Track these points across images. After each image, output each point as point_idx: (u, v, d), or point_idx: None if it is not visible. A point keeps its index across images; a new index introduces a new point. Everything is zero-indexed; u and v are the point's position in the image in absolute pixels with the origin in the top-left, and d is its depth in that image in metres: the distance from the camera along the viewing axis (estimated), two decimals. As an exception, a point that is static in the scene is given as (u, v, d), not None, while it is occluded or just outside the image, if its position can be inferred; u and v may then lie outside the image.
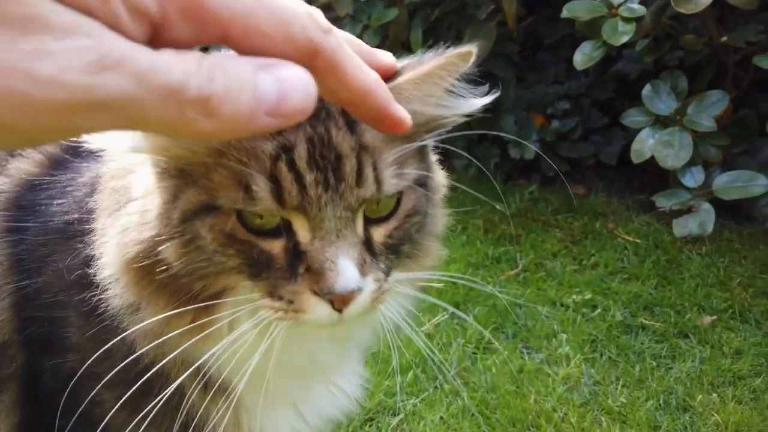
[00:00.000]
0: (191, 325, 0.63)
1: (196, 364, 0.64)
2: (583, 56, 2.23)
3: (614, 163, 2.86)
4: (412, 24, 2.78)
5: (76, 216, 0.74)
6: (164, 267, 0.61)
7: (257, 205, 0.57)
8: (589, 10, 2.18)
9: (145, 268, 0.62)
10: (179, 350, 0.63)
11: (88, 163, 0.78)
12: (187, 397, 0.68)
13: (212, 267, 0.61)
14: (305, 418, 0.80)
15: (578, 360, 1.75)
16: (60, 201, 0.77)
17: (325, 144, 0.58)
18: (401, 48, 2.96)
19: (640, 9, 2.11)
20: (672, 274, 2.12)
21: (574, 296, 2.02)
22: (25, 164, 0.81)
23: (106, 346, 0.66)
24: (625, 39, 2.09)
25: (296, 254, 0.59)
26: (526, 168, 2.95)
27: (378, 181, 0.60)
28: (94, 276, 0.67)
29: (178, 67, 0.29)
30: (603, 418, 1.57)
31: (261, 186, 0.56)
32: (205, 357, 0.64)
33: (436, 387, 1.68)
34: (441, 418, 1.58)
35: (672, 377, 1.69)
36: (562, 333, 1.85)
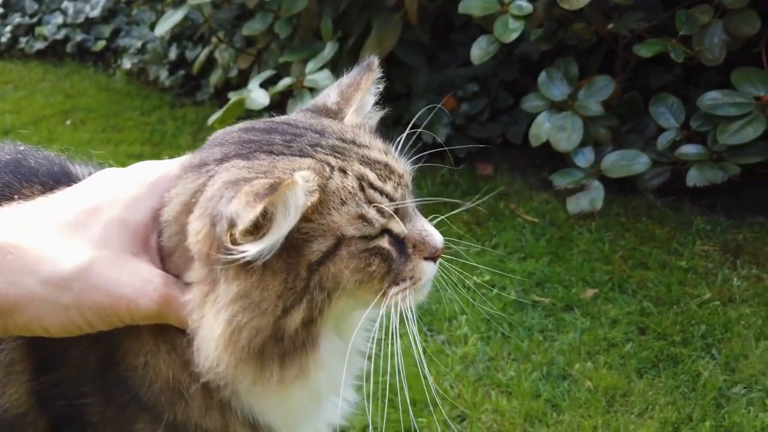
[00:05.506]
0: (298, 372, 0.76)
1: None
2: (480, 50, 2.37)
3: (519, 142, 3.04)
4: (322, 14, 2.84)
5: None
6: (279, 338, 0.73)
7: (374, 225, 0.75)
8: (483, 7, 2.31)
9: (260, 350, 0.73)
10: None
11: None
12: None
13: (335, 294, 0.75)
14: None
15: (475, 339, 1.95)
16: None
17: (371, 159, 0.78)
18: (313, 37, 3.02)
19: (528, 6, 2.25)
20: (563, 250, 2.34)
21: (475, 278, 2.21)
22: None
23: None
24: (515, 36, 2.24)
25: (399, 243, 0.79)
26: (438, 150, 3.11)
27: (406, 164, 0.84)
28: (116, 369, 0.78)
29: None
30: (493, 392, 1.78)
31: (372, 212, 0.74)
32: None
33: (347, 373, 1.84)
34: (351, 402, 1.75)
35: (555, 349, 1.91)
36: (461, 315, 2.04)
